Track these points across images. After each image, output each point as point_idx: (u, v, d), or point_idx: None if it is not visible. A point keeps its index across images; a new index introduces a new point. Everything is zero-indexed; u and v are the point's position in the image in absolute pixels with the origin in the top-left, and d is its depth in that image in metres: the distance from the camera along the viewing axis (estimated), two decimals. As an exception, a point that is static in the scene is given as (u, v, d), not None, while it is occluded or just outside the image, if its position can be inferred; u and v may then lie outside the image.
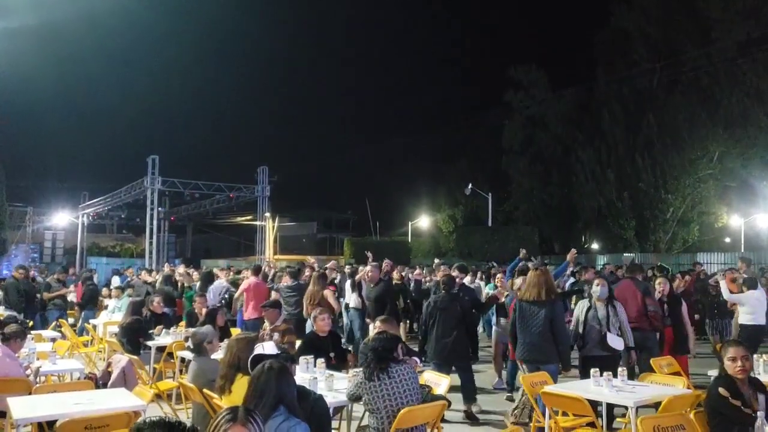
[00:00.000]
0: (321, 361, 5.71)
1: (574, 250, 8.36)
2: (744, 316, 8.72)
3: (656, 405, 5.05)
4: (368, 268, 9.80)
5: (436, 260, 12.54)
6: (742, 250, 27.98)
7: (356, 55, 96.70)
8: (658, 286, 7.77)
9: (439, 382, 5.76)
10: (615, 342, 6.29)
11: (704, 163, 28.26)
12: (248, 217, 35.74)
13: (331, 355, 6.28)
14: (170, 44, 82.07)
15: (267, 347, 4.00)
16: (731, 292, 8.87)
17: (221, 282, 11.59)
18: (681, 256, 25.14)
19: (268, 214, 31.15)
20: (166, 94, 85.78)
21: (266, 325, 7.57)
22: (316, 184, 69.01)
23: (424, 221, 39.45)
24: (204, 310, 8.42)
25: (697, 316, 10.38)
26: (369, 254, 10.67)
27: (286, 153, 75.86)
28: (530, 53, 59.00)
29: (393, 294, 9.76)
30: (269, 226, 31.76)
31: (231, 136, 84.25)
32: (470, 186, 32.64)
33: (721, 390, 4.10)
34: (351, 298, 10.43)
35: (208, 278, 11.56)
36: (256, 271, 10.62)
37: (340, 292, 10.76)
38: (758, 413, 3.96)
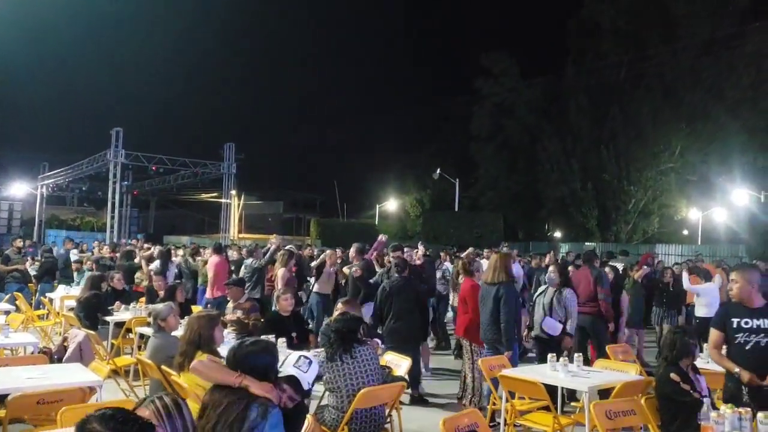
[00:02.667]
0: (282, 340, 5.71)
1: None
2: (700, 309, 9.00)
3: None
4: (354, 268, 9.68)
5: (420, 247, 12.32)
6: (699, 243, 28.79)
7: (328, 35, 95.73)
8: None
9: (400, 363, 5.82)
10: (550, 325, 6.49)
11: (666, 157, 28.90)
12: (213, 194, 35.27)
13: (293, 334, 6.28)
14: (138, 17, 79.93)
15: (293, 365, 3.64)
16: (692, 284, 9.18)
17: (179, 262, 11.48)
18: (641, 247, 25.74)
19: (233, 192, 30.82)
20: (131, 66, 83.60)
21: (230, 303, 7.52)
22: (283, 164, 68.44)
23: (391, 204, 39.54)
24: (162, 287, 8.30)
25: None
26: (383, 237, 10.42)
27: (254, 131, 74.81)
28: (502, 41, 59.09)
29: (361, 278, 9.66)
30: (234, 204, 31.46)
31: (198, 112, 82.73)
32: (438, 171, 32.79)
33: (672, 375, 4.23)
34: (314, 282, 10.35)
35: (167, 256, 11.34)
36: (218, 249, 10.48)
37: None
38: (704, 399, 4.13)
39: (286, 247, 10.45)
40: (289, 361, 3.41)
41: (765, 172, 29.61)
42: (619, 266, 10.19)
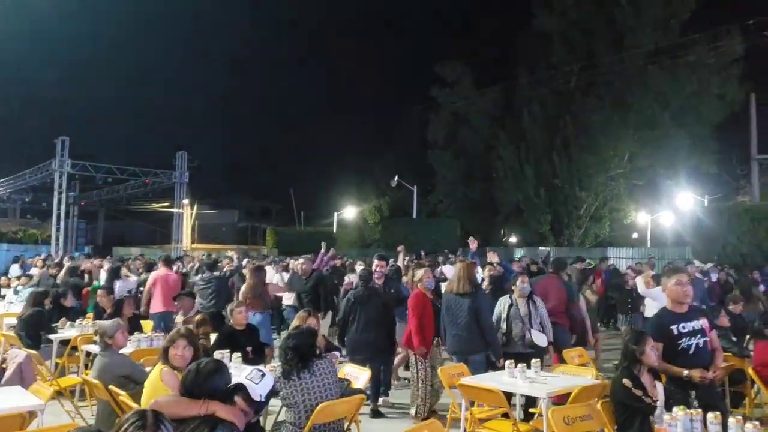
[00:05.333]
0: (237, 355, 5.57)
1: (472, 238, 8.57)
2: (651, 310, 9.21)
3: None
4: (300, 260, 9.58)
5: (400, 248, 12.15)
6: (648, 246, 29.64)
7: (283, 43, 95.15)
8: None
9: (359, 375, 5.74)
10: (539, 338, 6.40)
11: (615, 163, 29.65)
12: (165, 204, 34.50)
13: (248, 349, 6.13)
14: (84, 22, 77.77)
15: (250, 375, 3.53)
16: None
17: (130, 280, 11.04)
18: (593, 250, 26.30)
19: (186, 201, 30.24)
20: (78, 73, 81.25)
21: (179, 316, 7.31)
22: (238, 172, 67.56)
23: (349, 212, 39.40)
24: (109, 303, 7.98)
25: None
26: (323, 244, 10.39)
27: (207, 139, 73.72)
28: (457, 50, 59.90)
29: (326, 286, 9.55)
30: (187, 214, 30.84)
31: (149, 120, 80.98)
32: (396, 178, 32.88)
33: (624, 381, 4.28)
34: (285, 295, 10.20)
35: (116, 273, 10.95)
36: (166, 262, 10.16)
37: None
38: (657, 402, 4.19)
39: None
40: (242, 372, 3.34)
41: (708, 178, 30.74)
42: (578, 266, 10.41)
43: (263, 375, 3.32)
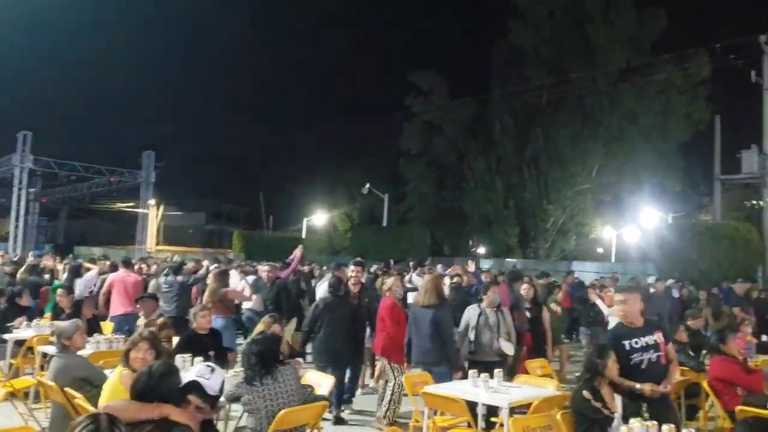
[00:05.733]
0: (199, 359, 5.49)
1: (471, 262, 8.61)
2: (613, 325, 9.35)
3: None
4: (265, 267, 9.48)
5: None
6: (613, 261, 30.16)
7: (257, 45, 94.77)
8: (524, 292, 8.00)
9: (321, 382, 5.72)
10: (507, 347, 6.52)
11: (583, 177, 30.18)
12: (130, 204, 33.87)
13: (211, 353, 6.06)
14: (49, 16, 76.35)
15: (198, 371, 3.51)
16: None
17: (92, 273, 10.75)
18: (558, 264, 26.66)
19: (152, 202, 29.75)
20: (43, 67, 79.66)
21: (141, 318, 7.18)
22: (206, 173, 66.83)
23: (319, 218, 39.22)
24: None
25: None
26: (299, 249, 10.23)
27: (175, 139, 72.78)
28: (431, 60, 60.44)
29: (289, 293, 9.48)
30: (153, 215, 30.33)
31: (117, 118, 79.69)
32: (368, 185, 32.86)
33: (584, 393, 4.36)
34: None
35: (76, 272, 10.67)
36: (126, 263, 9.97)
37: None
38: (615, 414, 4.28)
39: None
40: (191, 371, 3.32)
41: (672, 195, 31.48)
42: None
43: (213, 369, 3.31)
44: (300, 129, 73.61)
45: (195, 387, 3.20)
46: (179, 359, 5.31)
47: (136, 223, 30.80)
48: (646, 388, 4.44)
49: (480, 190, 31.77)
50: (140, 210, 30.00)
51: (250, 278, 10.49)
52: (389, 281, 7.23)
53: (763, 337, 8.49)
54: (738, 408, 5.44)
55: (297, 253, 10.12)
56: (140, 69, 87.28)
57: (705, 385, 6.36)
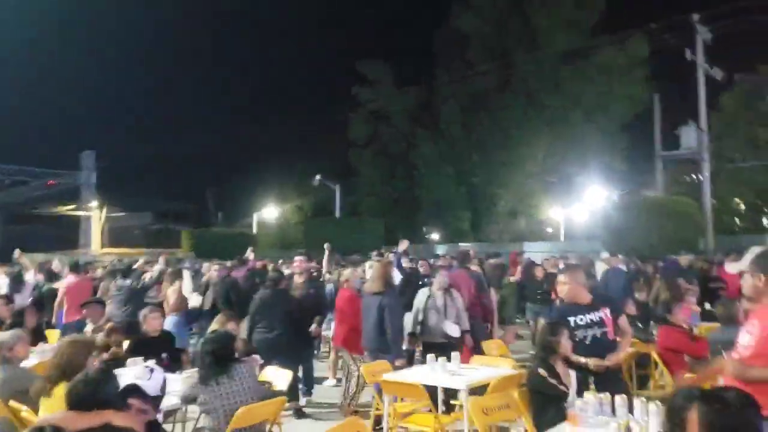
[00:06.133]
0: (152, 362, 5.36)
1: (405, 240, 8.87)
2: None
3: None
4: (215, 266, 9.37)
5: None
6: (562, 240, 30.89)
7: (199, 37, 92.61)
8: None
9: (280, 377, 5.67)
10: (451, 329, 6.64)
11: (530, 160, 30.70)
12: (71, 207, 32.68)
13: (164, 355, 5.93)
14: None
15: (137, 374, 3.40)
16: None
17: (30, 276, 10.37)
18: (510, 246, 27.10)
19: (94, 203, 28.79)
20: (-25, 68, 75.83)
21: (89, 325, 6.96)
22: (151, 172, 65.02)
23: (271, 212, 38.74)
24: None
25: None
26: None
27: (117, 138, 70.44)
28: (376, 49, 60.24)
29: (239, 291, 9.35)
30: (96, 217, 29.38)
31: (53, 118, 76.69)
32: (318, 177, 32.65)
33: (540, 371, 4.44)
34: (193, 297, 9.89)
35: (18, 280, 10.28)
36: (74, 268, 9.69)
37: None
38: (570, 389, 4.38)
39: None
40: (129, 374, 3.26)
41: (616, 174, 32.39)
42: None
43: (152, 370, 3.29)
44: (247, 123, 72.60)
45: (134, 390, 3.16)
46: (130, 363, 5.17)
47: (78, 226, 29.76)
48: (590, 362, 4.58)
49: (430, 177, 31.97)
50: (82, 213, 28.98)
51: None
52: (346, 272, 7.30)
53: (707, 306, 8.83)
54: (685, 375, 5.65)
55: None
56: (79, 68, 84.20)
57: (654, 354, 6.60)
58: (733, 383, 3.10)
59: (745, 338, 3.37)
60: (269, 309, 6.95)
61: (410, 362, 6.97)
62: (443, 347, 6.26)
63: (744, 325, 3.45)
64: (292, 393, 6.77)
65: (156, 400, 3.27)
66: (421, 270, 10.17)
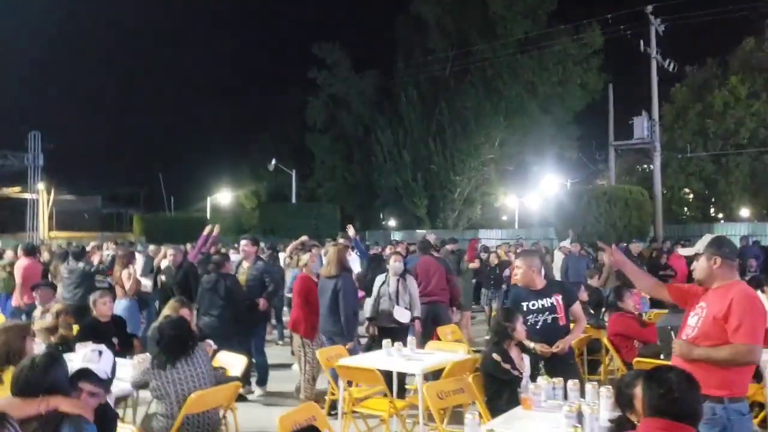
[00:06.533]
0: (102, 346, 5.23)
1: (350, 226, 8.92)
2: None
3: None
4: (170, 250, 9.12)
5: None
6: (516, 227, 31.41)
7: (153, 19, 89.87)
8: None
9: (234, 363, 5.60)
10: (401, 314, 6.70)
11: (487, 148, 31.02)
12: (17, 189, 31.49)
13: (115, 341, 5.79)
14: None
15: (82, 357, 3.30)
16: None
17: None
18: (466, 233, 27.43)
19: (41, 186, 27.82)
20: None
21: (38, 308, 6.75)
22: (101, 155, 63.24)
23: (225, 196, 38.15)
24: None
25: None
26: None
27: (64, 119, 67.99)
28: (334, 33, 59.69)
29: (197, 276, 9.19)
30: (43, 200, 28.42)
31: (-2, 96, 73.50)
32: (274, 161, 32.28)
33: (494, 356, 4.50)
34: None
35: None
36: (29, 251, 9.43)
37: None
38: (524, 374, 4.46)
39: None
40: (76, 358, 3.18)
41: (570, 163, 33.11)
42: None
43: (101, 353, 3.23)
44: (200, 105, 71.12)
45: (85, 373, 3.10)
46: (80, 347, 5.02)
47: (25, 209, 28.73)
48: (538, 347, 4.69)
49: (388, 164, 31.97)
50: (29, 195, 27.97)
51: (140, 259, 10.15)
52: (305, 257, 7.25)
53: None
54: (635, 359, 5.81)
55: (210, 232, 9.95)
56: (23, 46, 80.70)
57: (605, 340, 6.78)
58: (680, 364, 3.21)
59: (693, 320, 3.49)
60: (211, 294, 6.90)
61: (370, 347, 7.00)
62: (394, 332, 6.32)
63: (692, 309, 3.56)
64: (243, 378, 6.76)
65: (107, 383, 3.20)
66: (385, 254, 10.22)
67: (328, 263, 6.51)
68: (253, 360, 7.11)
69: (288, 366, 8.44)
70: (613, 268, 8.78)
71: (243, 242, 7.63)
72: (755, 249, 14.13)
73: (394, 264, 6.86)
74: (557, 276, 10.98)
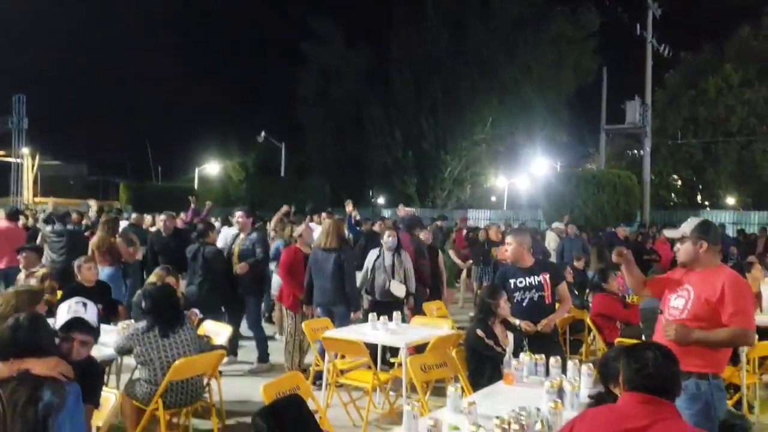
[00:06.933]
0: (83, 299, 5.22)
1: (350, 201, 9.14)
2: None
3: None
4: (162, 216, 9.09)
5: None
6: (505, 208, 31.52)
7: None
8: (424, 237, 8.16)
9: (219, 331, 5.62)
10: (397, 289, 6.71)
11: (479, 128, 30.94)
12: (0, 153, 31.05)
13: (99, 306, 5.76)
14: None
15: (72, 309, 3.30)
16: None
17: None
18: (455, 212, 27.48)
19: (25, 151, 27.45)
20: None
21: (23, 272, 6.72)
22: (87, 121, 62.36)
23: (213, 167, 37.85)
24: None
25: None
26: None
27: (51, 83, 66.94)
28: (327, 6, 58.79)
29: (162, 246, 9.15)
30: (28, 164, 28.07)
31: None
32: (263, 134, 32.00)
33: (478, 331, 4.55)
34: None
35: None
36: (12, 215, 9.35)
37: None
38: (506, 349, 4.51)
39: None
40: (62, 312, 3.17)
41: (561, 146, 33.12)
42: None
43: (85, 304, 3.25)
44: (189, 75, 70.19)
45: (76, 323, 3.12)
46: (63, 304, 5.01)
47: (9, 174, 28.39)
48: (523, 325, 4.76)
49: (379, 141, 31.80)
50: (12, 159, 27.61)
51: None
52: (299, 228, 7.29)
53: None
54: (617, 340, 5.90)
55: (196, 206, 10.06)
56: (7, 5, 78.88)
57: (588, 320, 6.86)
58: (668, 344, 3.26)
59: (679, 302, 3.53)
60: (193, 263, 6.97)
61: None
62: (389, 306, 6.35)
63: (675, 291, 3.60)
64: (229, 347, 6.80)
65: (96, 332, 3.25)
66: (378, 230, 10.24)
67: (327, 235, 6.46)
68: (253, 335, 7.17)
69: (274, 338, 8.47)
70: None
71: (238, 214, 7.63)
72: (731, 238, 14.50)
73: (388, 239, 6.86)
74: (553, 257, 11.11)
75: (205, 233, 7.15)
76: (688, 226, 3.62)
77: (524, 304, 4.85)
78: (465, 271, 11.80)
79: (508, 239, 5.08)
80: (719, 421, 3.47)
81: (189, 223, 10.68)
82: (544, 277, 4.94)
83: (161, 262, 8.04)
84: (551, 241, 12.08)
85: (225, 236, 8.20)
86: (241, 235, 7.30)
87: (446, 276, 10.15)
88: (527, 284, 4.89)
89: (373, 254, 6.93)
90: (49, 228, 9.06)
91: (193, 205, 11.32)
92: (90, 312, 3.23)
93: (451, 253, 10.30)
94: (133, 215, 11.73)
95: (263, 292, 7.83)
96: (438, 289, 8.08)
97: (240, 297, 7.07)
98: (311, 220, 11.55)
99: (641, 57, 20.46)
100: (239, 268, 6.95)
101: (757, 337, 5.68)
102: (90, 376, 3.07)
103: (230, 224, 10.13)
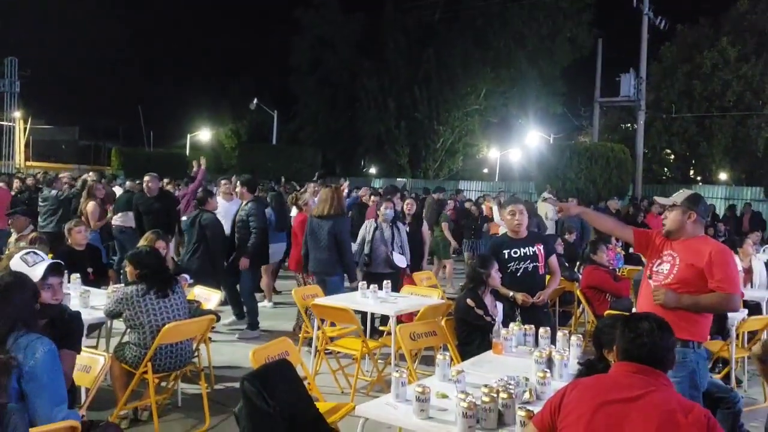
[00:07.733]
0: (76, 276, 5.21)
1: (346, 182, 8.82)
2: None
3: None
4: (146, 178, 8.99)
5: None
6: (497, 180, 31.50)
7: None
8: (407, 206, 8.08)
9: (209, 297, 5.62)
10: (399, 260, 6.75)
11: (472, 99, 30.72)
12: (-9, 116, 30.67)
13: (89, 270, 5.76)
14: None
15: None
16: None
17: None
18: (447, 183, 27.43)
19: (17, 114, 27.09)
20: None
21: (13, 235, 6.69)
22: (79, 85, 61.47)
23: (204, 134, 37.52)
24: None
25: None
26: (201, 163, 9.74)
27: (43, 45, 65.72)
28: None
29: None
30: (19, 128, 27.73)
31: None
32: (255, 101, 31.65)
33: (468, 301, 4.56)
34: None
35: None
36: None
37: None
38: (496, 319, 4.53)
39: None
40: (20, 265, 3.08)
41: (554, 118, 32.95)
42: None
43: (36, 252, 3.25)
44: (181, 41, 69.02)
45: (53, 267, 3.12)
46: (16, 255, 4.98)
47: (0, 138, 28.06)
48: (519, 296, 4.77)
49: (373, 110, 31.55)
50: (4, 122, 27.26)
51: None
52: (305, 196, 7.25)
53: (631, 249, 9.26)
54: (606, 312, 5.94)
55: (200, 168, 9.97)
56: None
57: (578, 293, 6.90)
58: (655, 309, 3.29)
59: (664, 267, 3.56)
60: (190, 229, 6.98)
61: None
62: (388, 277, 6.27)
63: (656, 257, 3.64)
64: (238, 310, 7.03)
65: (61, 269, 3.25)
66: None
67: (325, 203, 6.41)
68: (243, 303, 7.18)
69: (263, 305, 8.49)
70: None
71: (223, 181, 7.61)
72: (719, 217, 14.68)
73: (385, 211, 6.83)
74: (550, 229, 11.14)
75: (204, 200, 7.07)
76: (680, 196, 3.64)
77: (518, 275, 4.86)
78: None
79: (511, 208, 5.02)
80: (706, 392, 3.53)
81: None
82: (539, 248, 4.95)
83: (146, 223, 8.00)
84: (549, 211, 12.06)
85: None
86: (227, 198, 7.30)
87: (441, 247, 10.24)
88: (522, 254, 4.89)
89: (369, 226, 6.83)
90: (38, 193, 9.03)
91: (202, 167, 10.60)
92: (45, 259, 3.19)
93: (444, 226, 10.28)
94: (128, 183, 11.60)
95: (262, 263, 7.64)
96: (420, 261, 7.96)
97: (236, 267, 7.01)
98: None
99: (637, 30, 20.25)
100: (240, 264, 6.92)
101: (747, 311, 5.79)
102: (71, 322, 3.10)
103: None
